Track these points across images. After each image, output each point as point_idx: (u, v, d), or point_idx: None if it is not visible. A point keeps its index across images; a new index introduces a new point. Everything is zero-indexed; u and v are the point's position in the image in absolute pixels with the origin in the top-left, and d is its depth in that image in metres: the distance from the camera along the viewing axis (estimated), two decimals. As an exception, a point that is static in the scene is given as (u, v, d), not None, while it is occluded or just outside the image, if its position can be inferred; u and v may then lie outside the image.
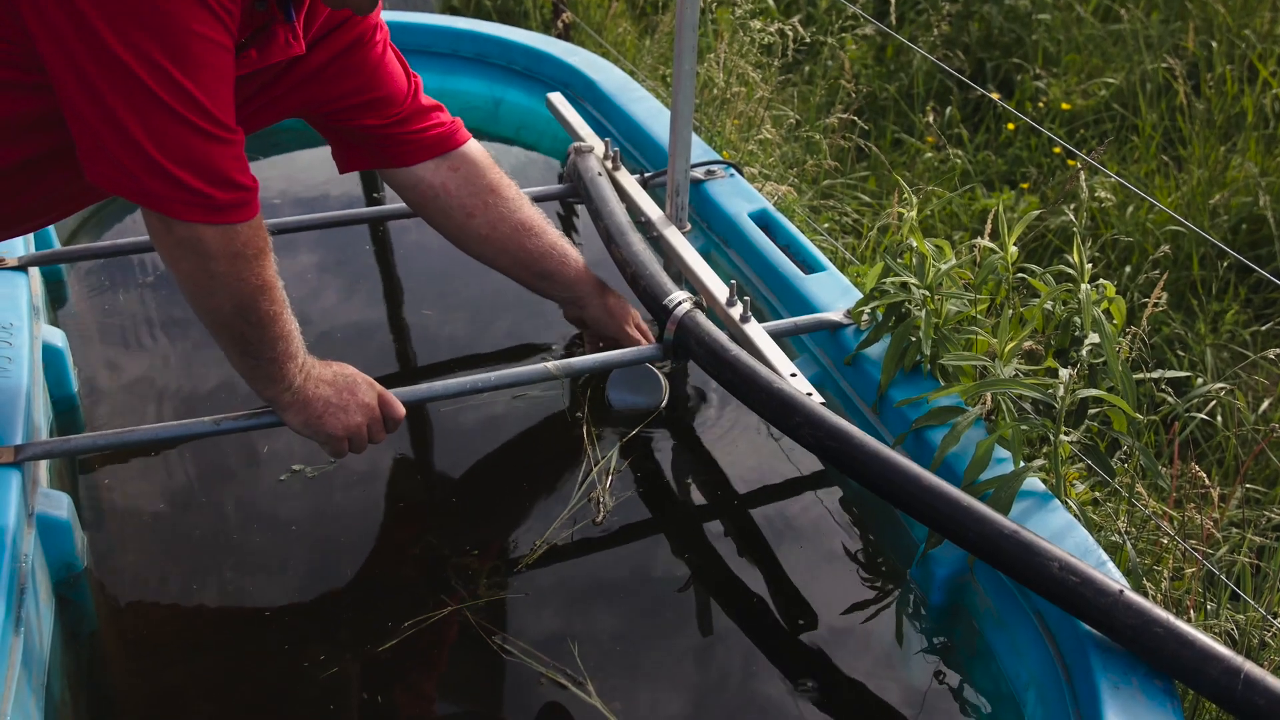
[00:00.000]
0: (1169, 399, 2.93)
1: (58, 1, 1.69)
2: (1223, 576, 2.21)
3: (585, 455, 2.43)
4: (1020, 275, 2.44)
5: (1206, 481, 2.35)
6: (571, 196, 2.99)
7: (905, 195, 2.51)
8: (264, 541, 2.25)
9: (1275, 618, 2.21)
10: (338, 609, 2.13)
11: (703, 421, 2.57)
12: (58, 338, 2.55)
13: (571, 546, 2.24)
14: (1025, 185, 4.52)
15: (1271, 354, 2.61)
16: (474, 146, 2.50)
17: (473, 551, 2.23)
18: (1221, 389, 2.82)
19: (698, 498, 2.42)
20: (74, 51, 1.71)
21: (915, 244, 2.36)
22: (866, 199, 4.26)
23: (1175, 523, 2.44)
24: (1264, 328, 3.66)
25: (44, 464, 2.23)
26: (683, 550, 2.28)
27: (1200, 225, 3.97)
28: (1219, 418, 3.13)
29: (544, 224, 2.56)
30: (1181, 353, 3.55)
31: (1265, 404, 3.18)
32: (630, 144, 3.26)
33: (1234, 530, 2.62)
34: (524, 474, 2.42)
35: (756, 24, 4.07)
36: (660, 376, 2.57)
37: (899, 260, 2.42)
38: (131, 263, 2.95)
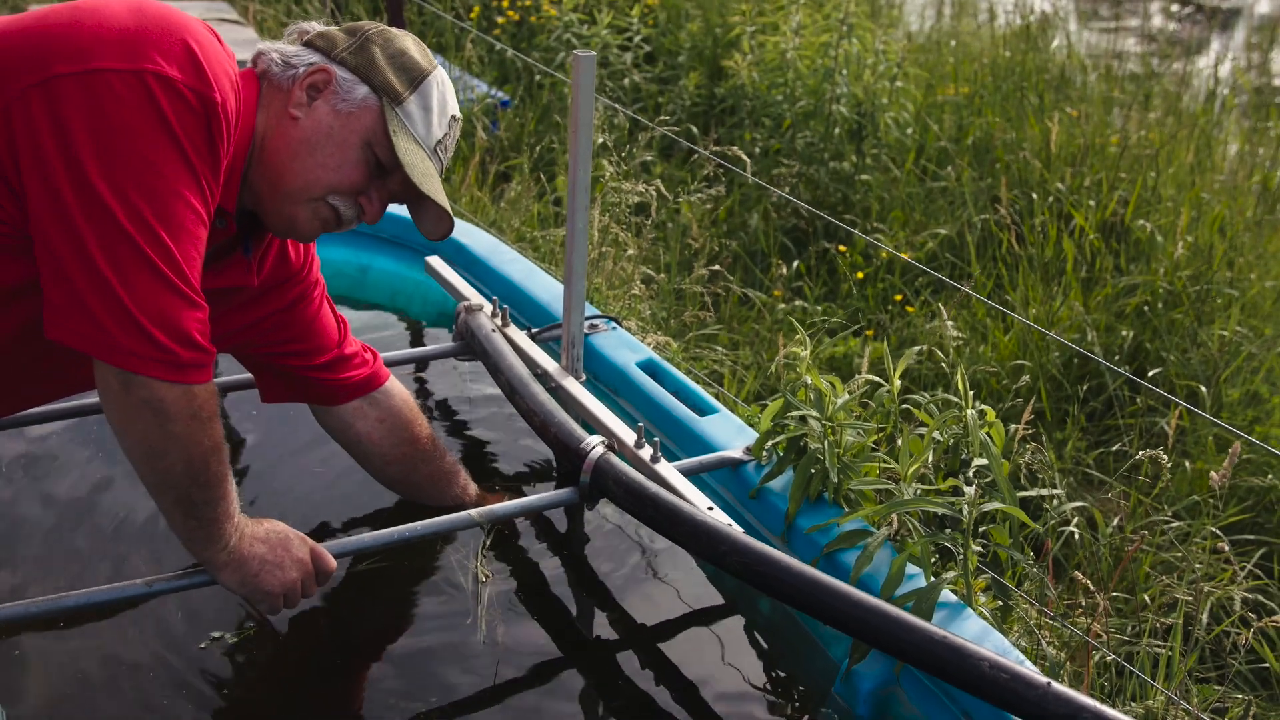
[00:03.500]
0: (1029, 523, 3.13)
1: (58, 149, 1.76)
2: (1132, 669, 2.37)
3: (487, 599, 2.48)
4: (905, 406, 2.61)
5: (1091, 588, 2.52)
6: (465, 354, 3.08)
7: (799, 336, 2.68)
8: (188, 709, 2.22)
9: (1187, 696, 2.38)
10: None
11: (605, 564, 2.64)
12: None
13: (488, 692, 2.28)
14: (870, 332, 4.77)
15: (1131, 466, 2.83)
16: (396, 391, 2.62)
17: (421, 707, 2.25)
18: (1076, 507, 3.04)
19: (607, 634, 2.48)
20: (65, 198, 1.77)
21: (811, 380, 2.52)
22: (722, 350, 4.44)
23: (1070, 627, 2.60)
24: (1113, 448, 3.94)
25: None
26: (602, 686, 2.33)
27: (1038, 361, 4.26)
28: (1077, 535, 3.34)
29: (453, 471, 2.69)
30: (1040, 476, 3.78)
31: (1116, 519, 3.42)
32: (507, 303, 3.36)
33: (1110, 636, 2.81)
34: (441, 623, 2.45)
35: (626, 185, 4.27)
36: None
37: (795, 396, 2.57)
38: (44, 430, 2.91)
